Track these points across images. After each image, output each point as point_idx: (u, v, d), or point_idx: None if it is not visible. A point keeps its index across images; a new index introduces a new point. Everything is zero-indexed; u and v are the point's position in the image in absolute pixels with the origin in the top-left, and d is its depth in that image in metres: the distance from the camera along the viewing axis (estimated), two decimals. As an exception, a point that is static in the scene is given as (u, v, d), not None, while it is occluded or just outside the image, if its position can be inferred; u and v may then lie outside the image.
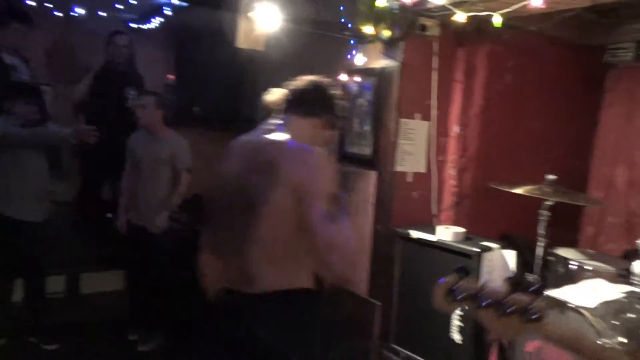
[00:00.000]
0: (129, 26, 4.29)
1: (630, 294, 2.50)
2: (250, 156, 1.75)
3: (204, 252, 1.90)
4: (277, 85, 2.85)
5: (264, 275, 1.68)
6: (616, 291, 2.53)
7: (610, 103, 3.89)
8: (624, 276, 2.72)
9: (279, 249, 1.66)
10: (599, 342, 1.18)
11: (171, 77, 4.36)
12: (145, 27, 4.10)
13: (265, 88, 2.62)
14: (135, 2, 3.37)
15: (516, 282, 1.01)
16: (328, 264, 1.57)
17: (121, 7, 3.53)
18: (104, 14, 3.80)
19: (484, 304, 0.99)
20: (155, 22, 3.95)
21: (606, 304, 2.43)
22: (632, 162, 3.77)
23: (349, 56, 3.21)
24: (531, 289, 1.04)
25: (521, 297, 0.99)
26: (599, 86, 3.92)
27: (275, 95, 2.41)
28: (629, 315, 2.50)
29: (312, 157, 1.65)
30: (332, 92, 1.86)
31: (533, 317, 0.97)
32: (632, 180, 3.78)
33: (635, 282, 2.45)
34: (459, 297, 1.01)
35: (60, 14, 3.82)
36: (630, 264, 2.55)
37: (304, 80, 1.88)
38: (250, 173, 1.70)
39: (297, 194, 1.59)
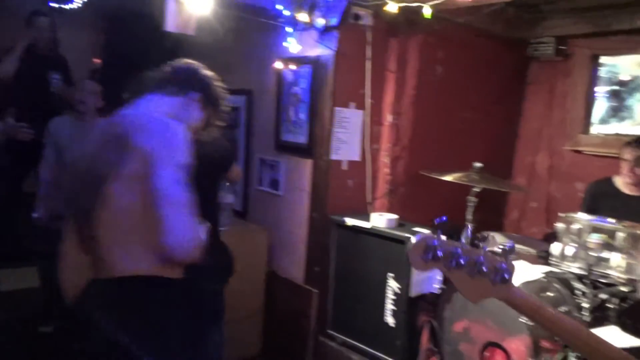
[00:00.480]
0: (50, 5, 4.03)
1: (548, 273, 2.67)
2: (102, 133, 1.65)
3: (66, 246, 1.67)
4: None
5: (116, 260, 1.52)
6: (537, 272, 2.69)
7: (532, 95, 4.11)
8: (544, 257, 2.89)
9: (131, 231, 1.52)
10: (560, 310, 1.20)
11: (97, 61, 4.15)
12: (67, 7, 3.86)
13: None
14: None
15: (484, 238, 1.02)
16: (159, 241, 1.44)
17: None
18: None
19: (462, 262, 0.96)
20: (78, 2, 3.72)
21: (527, 283, 2.58)
22: (552, 151, 4.01)
23: (283, 44, 3.18)
24: (504, 247, 1.04)
25: (494, 257, 0.99)
26: (523, 78, 4.13)
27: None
28: (548, 294, 2.67)
29: (165, 126, 1.57)
30: (205, 74, 1.83)
31: (505, 277, 0.97)
32: (552, 167, 4.02)
33: (553, 262, 2.61)
34: (440, 255, 0.96)
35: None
36: (549, 246, 2.71)
37: (179, 60, 1.86)
38: (101, 151, 1.58)
39: (146, 163, 1.48)
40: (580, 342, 1.11)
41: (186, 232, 1.48)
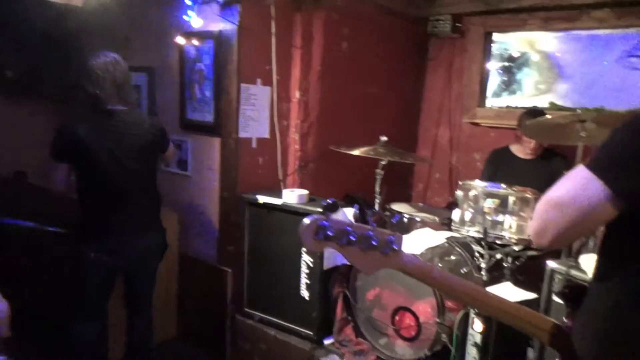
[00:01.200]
0: None
1: (450, 239, 2.83)
2: None
3: None
4: (101, 47, 2.61)
5: None
6: (440, 237, 2.85)
7: (433, 70, 4.30)
8: (447, 224, 3.07)
9: None
10: (445, 271, 1.30)
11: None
12: None
13: (88, 49, 2.38)
14: None
15: (377, 217, 1.07)
16: None
17: None
18: None
19: (353, 238, 1.00)
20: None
21: (432, 249, 2.73)
22: (452, 123, 4.23)
23: (184, 17, 3.04)
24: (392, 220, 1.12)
25: (382, 230, 1.04)
26: (424, 54, 4.29)
27: None
28: (452, 257, 2.85)
29: None
30: None
31: (395, 247, 1.03)
32: (452, 139, 4.25)
33: (454, 228, 2.77)
34: (330, 234, 0.99)
35: None
36: (451, 213, 2.87)
37: None
38: None
39: None
40: (470, 298, 1.23)
41: None
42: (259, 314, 3.20)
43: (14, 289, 3.73)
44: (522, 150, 3.37)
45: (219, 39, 3.09)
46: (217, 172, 3.25)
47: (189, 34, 3.17)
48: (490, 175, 3.40)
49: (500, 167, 3.42)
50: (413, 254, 2.27)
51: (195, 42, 3.19)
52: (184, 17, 3.03)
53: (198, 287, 3.46)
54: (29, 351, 3.24)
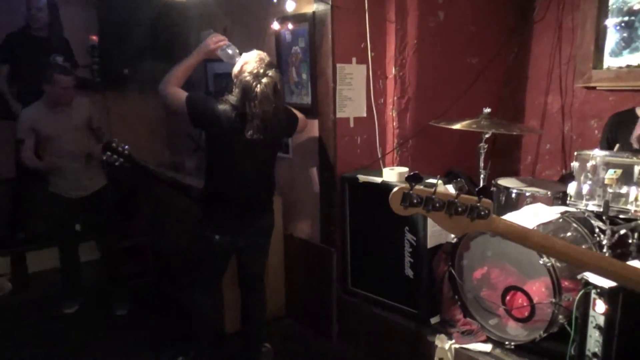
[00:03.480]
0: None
1: (565, 213, 2.64)
2: None
3: None
4: (202, 39, 2.74)
5: None
6: (553, 213, 2.66)
7: (540, 32, 3.97)
8: (560, 198, 2.86)
9: None
10: (546, 234, 1.26)
11: (94, 37, 4.10)
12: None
13: (194, 39, 2.50)
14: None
15: (461, 187, 1.13)
16: None
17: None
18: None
19: (437, 205, 1.09)
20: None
21: (544, 225, 2.56)
22: (563, 90, 3.90)
23: (278, 2, 3.09)
24: (477, 189, 1.16)
25: (470, 197, 1.11)
26: (530, 16, 3.98)
27: None
28: (568, 234, 2.65)
29: None
30: None
31: (481, 214, 1.09)
32: (564, 106, 3.92)
33: (570, 202, 2.57)
34: (415, 201, 1.09)
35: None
36: (566, 187, 2.66)
37: None
38: None
39: None
40: (576, 259, 1.18)
41: None
42: (364, 292, 3.22)
43: (141, 266, 4.12)
44: None
45: (313, 20, 3.10)
46: (316, 154, 3.29)
47: (284, 18, 3.21)
48: (610, 142, 3.05)
49: (620, 132, 3.04)
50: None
51: (290, 25, 3.23)
52: (279, 2, 3.07)
53: (303, 266, 3.56)
54: (153, 324, 3.57)
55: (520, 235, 1.17)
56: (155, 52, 3.80)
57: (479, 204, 1.09)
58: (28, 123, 3.28)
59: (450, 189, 2.94)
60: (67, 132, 3.33)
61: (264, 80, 2.49)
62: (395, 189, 1.11)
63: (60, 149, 3.33)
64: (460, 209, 1.09)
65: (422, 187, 1.12)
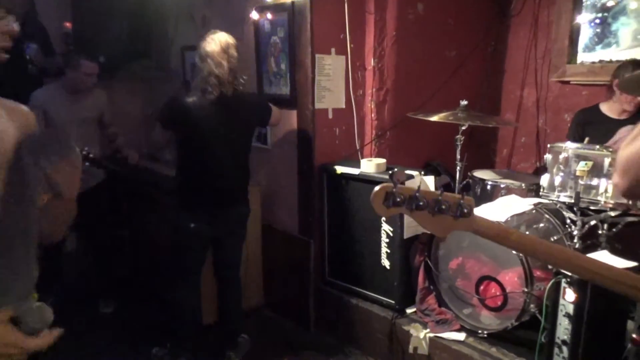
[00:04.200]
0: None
1: (538, 205, 2.69)
2: None
3: None
4: (181, 28, 2.70)
5: None
6: (526, 204, 2.72)
7: (516, 27, 4.02)
8: (534, 190, 2.92)
9: None
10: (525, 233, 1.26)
11: (68, 24, 4.01)
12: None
13: (172, 28, 2.47)
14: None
15: (444, 185, 1.08)
16: None
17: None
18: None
19: (420, 204, 1.04)
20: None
21: (518, 216, 2.61)
22: (539, 83, 3.97)
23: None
24: (460, 186, 1.13)
25: (452, 195, 1.07)
26: (507, 11, 4.03)
27: None
28: (541, 225, 2.71)
29: None
30: None
31: (464, 211, 1.05)
32: (539, 100, 3.99)
33: (543, 194, 2.62)
34: (398, 200, 1.04)
35: None
36: (539, 179, 2.72)
37: None
38: None
39: None
40: (555, 258, 1.17)
41: None
42: (341, 282, 3.25)
43: (120, 260, 4.05)
44: (615, 109, 3.06)
45: (292, 10, 3.08)
46: (295, 145, 3.29)
47: (263, 7, 3.19)
48: (577, 138, 3.12)
49: (588, 129, 3.12)
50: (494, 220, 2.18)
51: (269, 15, 3.21)
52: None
53: (281, 257, 3.56)
54: (134, 316, 3.53)
55: (500, 234, 1.15)
56: (131, 40, 3.74)
57: (462, 202, 1.06)
58: (39, 103, 3.15)
59: (430, 181, 2.97)
60: (76, 121, 3.23)
61: (213, 44, 2.58)
62: (377, 188, 1.06)
63: None
64: (443, 207, 1.05)
65: (404, 185, 1.09)
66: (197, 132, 2.63)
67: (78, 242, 4.02)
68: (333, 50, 3.15)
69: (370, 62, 3.30)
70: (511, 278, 2.48)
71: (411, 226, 2.88)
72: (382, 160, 2.99)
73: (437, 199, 1.05)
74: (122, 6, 3.54)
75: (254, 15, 3.22)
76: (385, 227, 2.91)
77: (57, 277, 3.60)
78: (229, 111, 2.64)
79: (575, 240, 2.51)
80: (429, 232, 2.80)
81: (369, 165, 2.95)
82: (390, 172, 1.01)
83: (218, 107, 2.61)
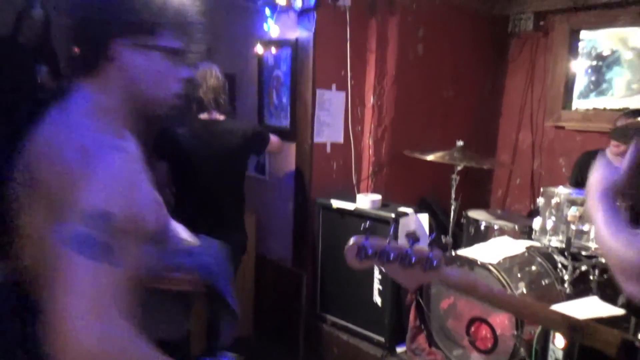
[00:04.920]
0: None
1: (530, 248, 2.71)
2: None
3: None
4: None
5: None
6: (519, 246, 2.73)
7: (514, 71, 4.12)
8: (527, 233, 2.94)
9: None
10: (495, 289, 1.28)
11: (77, 49, 4.09)
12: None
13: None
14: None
15: (414, 237, 1.11)
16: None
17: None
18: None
19: (392, 257, 1.08)
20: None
21: (510, 258, 2.62)
22: (535, 127, 4.04)
23: (262, 27, 3.15)
24: (429, 239, 1.17)
25: (422, 248, 1.10)
26: (504, 55, 4.13)
27: None
28: (532, 268, 2.72)
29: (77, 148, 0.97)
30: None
31: (434, 264, 1.09)
32: (535, 143, 4.05)
33: (535, 237, 2.65)
34: (370, 253, 1.08)
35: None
36: (532, 221, 2.75)
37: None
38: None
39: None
40: (516, 309, 1.23)
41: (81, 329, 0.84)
42: (332, 317, 3.23)
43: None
44: (619, 158, 3.05)
45: (295, 46, 3.16)
46: (292, 177, 3.32)
47: (267, 42, 3.27)
48: (577, 180, 3.16)
49: (588, 173, 3.13)
50: (497, 272, 2.19)
51: (273, 49, 3.29)
52: (263, 26, 3.13)
53: (273, 288, 3.55)
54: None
55: (469, 287, 1.18)
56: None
57: (431, 255, 1.10)
58: None
59: (424, 218, 2.98)
60: None
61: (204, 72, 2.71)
62: (349, 243, 1.10)
63: None
64: (413, 260, 1.09)
65: (376, 239, 1.12)
66: (186, 160, 2.68)
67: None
68: (334, 86, 3.21)
69: (370, 99, 3.36)
70: (502, 320, 2.48)
71: (404, 263, 2.88)
72: (378, 197, 3.02)
73: (406, 253, 1.09)
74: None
75: (259, 49, 3.29)
76: (378, 263, 2.91)
77: None
78: (216, 139, 2.69)
79: (566, 285, 2.52)
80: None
81: (365, 201, 2.98)
82: (364, 224, 1.05)
83: (205, 136, 2.67)
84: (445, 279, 1.14)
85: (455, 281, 1.16)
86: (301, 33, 3.12)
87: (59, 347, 0.83)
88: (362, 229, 1.16)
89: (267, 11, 3.09)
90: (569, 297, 2.44)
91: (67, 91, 1.06)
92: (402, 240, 1.13)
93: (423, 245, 1.16)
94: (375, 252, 1.09)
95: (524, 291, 2.47)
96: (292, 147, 3.30)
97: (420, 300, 2.77)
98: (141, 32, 1.02)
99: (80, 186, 0.90)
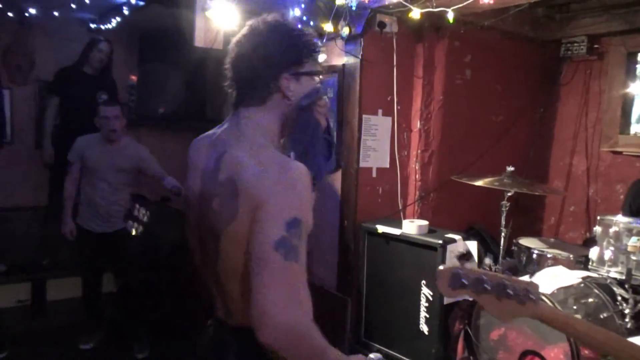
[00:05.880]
0: (90, 27, 4.22)
1: (586, 279, 2.59)
2: (210, 171, 1.29)
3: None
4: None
5: (239, 309, 1.29)
6: (574, 277, 2.61)
7: (566, 95, 4.01)
8: (582, 262, 2.81)
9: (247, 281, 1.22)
10: (589, 323, 1.21)
11: (134, 77, 4.31)
12: (104, 27, 4.03)
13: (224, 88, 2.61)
14: (89, 2, 3.28)
15: (467, 257, 1.07)
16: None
17: (75, 6, 3.44)
18: (60, 14, 3.71)
19: (488, 287, 1.03)
20: (115, 22, 3.88)
21: (564, 289, 2.51)
22: (589, 152, 3.90)
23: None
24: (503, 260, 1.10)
25: (519, 279, 1.06)
26: (556, 79, 4.04)
27: None
28: (589, 300, 2.59)
29: (277, 165, 1.19)
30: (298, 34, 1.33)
31: (531, 297, 1.04)
32: (589, 169, 3.90)
33: (592, 267, 2.53)
34: (465, 282, 1.04)
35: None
36: (588, 250, 2.63)
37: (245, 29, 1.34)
38: (210, 191, 1.27)
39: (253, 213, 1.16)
40: (615, 351, 1.12)
41: (278, 311, 1.11)
42: (377, 344, 3.17)
43: (157, 300, 4.08)
44: None
45: (342, 72, 3.21)
46: (338, 201, 3.33)
47: (314, 68, 3.32)
48: (632, 208, 3.01)
49: None
50: (551, 303, 2.10)
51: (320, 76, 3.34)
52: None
53: (317, 312, 3.51)
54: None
55: (567, 324, 1.13)
56: (189, 95, 3.96)
57: (529, 287, 1.05)
58: (79, 148, 3.39)
59: (473, 246, 2.90)
60: (111, 169, 3.39)
61: None
62: (442, 268, 1.07)
63: (99, 184, 3.40)
64: (509, 292, 1.04)
65: (469, 267, 1.09)
66: None
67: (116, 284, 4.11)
68: (380, 111, 3.22)
69: (417, 124, 3.35)
70: (557, 354, 2.36)
71: (452, 291, 2.81)
72: (425, 222, 2.97)
73: (503, 283, 1.04)
74: (183, 64, 3.78)
75: (305, 75, 3.35)
76: (425, 291, 2.85)
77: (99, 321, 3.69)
78: None
79: (627, 320, 2.37)
80: (469, 300, 2.72)
81: (411, 227, 2.94)
82: (460, 253, 1.03)
83: None
84: (542, 313, 1.09)
85: (552, 318, 1.10)
86: (348, 59, 3.16)
87: (263, 323, 1.10)
88: (457, 256, 1.12)
89: (316, 38, 3.15)
90: (630, 333, 2.30)
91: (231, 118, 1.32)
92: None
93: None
94: (470, 282, 1.05)
95: (581, 324, 2.34)
96: (338, 173, 3.31)
97: (469, 330, 2.68)
98: (296, 64, 1.30)
99: (282, 195, 1.14)
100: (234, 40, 1.34)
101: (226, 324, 1.35)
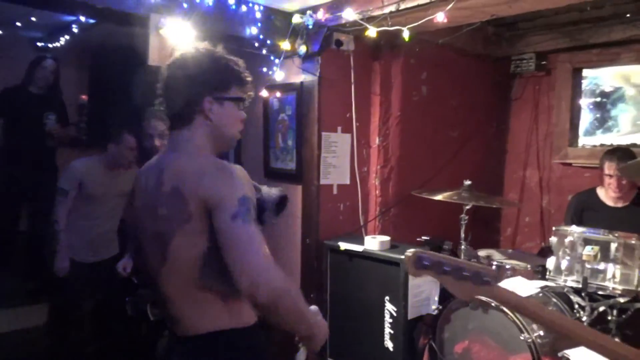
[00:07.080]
0: (37, 45, 4.08)
1: (545, 288, 2.64)
2: (152, 187, 1.43)
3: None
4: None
5: (185, 316, 1.43)
6: (533, 287, 2.67)
7: (518, 110, 4.15)
8: (540, 272, 2.87)
9: (197, 289, 1.40)
10: (546, 307, 1.30)
11: (84, 97, 4.17)
12: (52, 45, 3.90)
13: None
14: (36, 20, 3.15)
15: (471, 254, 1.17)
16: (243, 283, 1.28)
17: (20, 24, 3.30)
18: (4, 32, 3.57)
19: (447, 269, 1.15)
20: (63, 40, 3.76)
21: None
22: (541, 164, 4.03)
23: (268, 72, 3.20)
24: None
25: (475, 264, 1.18)
26: (508, 94, 4.17)
27: None
28: (548, 308, 2.64)
29: (214, 168, 1.36)
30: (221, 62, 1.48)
31: (484, 279, 1.15)
32: (542, 181, 4.03)
33: (549, 277, 2.58)
34: (427, 263, 1.16)
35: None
36: (545, 260, 2.69)
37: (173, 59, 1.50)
38: (154, 202, 1.41)
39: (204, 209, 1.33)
40: (561, 328, 1.22)
41: (258, 269, 1.28)
42: (342, 363, 3.13)
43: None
44: (609, 196, 2.97)
45: (300, 90, 3.20)
46: (299, 219, 3.29)
47: (273, 86, 3.31)
48: (573, 221, 3.03)
49: (584, 213, 3.06)
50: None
51: (278, 94, 3.33)
52: (269, 71, 3.18)
53: (280, 331, 3.45)
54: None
55: (519, 306, 1.24)
56: (143, 114, 3.86)
57: (482, 271, 1.15)
58: (78, 175, 3.06)
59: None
60: (112, 195, 3.18)
61: None
62: (409, 252, 1.18)
63: (97, 211, 3.18)
64: (466, 274, 1.15)
65: (433, 252, 1.21)
66: None
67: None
68: (339, 128, 3.23)
69: (376, 140, 3.37)
70: (520, 365, 2.39)
71: (415, 306, 2.82)
72: (386, 238, 2.98)
73: (460, 266, 1.16)
74: (136, 82, 3.68)
75: (264, 93, 3.33)
76: (389, 307, 2.84)
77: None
78: None
79: (584, 327, 2.43)
80: (433, 314, 2.74)
81: (373, 242, 2.94)
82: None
83: None
84: (497, 295, 1.19)
85: (505, 298, 1.21)
86: (306, 77, 3.16)
87: (262, 282, 1.26)
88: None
89: (273, 57, 3.14)
90: (588, 340, 2.35)
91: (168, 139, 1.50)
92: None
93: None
94: (432, 264, 1.16)
95: (541, 333, 2.39)
96: (298, 190, 3.29)
97: (434, 344, 2.68)
98: (219, 89, 1.44)
99: (230, 184, 1.33)
100: (166, 64, 1.48)
101: (174, 334, 1.47)
